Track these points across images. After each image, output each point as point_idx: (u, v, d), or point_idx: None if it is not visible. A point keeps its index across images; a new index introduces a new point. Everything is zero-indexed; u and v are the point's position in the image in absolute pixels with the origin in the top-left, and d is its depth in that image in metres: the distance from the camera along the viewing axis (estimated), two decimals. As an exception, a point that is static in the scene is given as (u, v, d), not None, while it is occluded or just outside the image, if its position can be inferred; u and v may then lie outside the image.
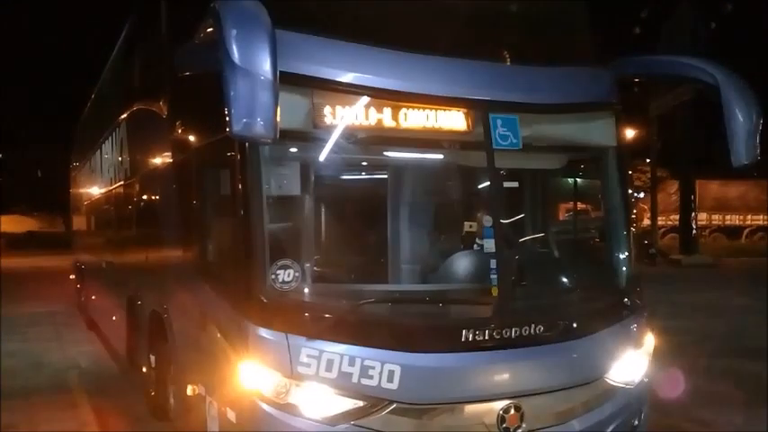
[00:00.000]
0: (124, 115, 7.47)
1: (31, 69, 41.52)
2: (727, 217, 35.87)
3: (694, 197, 29.59)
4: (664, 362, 5.60)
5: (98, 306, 9.98)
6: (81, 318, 11.67)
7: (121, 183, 7.89)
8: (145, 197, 6.80)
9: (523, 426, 3.87)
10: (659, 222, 30.16)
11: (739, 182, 35.04)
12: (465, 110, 3.96)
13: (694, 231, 28.92)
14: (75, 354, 9.28)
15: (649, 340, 4.54)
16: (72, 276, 13.39)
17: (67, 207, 15.66)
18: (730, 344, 9.59)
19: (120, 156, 7.93)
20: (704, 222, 34.31)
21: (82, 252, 12.36)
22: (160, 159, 5.78)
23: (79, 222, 13.06)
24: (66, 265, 14.77)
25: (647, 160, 28.74)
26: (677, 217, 30.42)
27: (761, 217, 36.03)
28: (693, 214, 29.14)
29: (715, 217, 35.52)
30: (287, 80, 3.29)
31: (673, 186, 32.13)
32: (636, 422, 4.43)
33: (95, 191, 10.33)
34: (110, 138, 8.57)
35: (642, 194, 32.72)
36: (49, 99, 40.90)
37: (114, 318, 8.07)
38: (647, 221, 29.69)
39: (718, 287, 16.73)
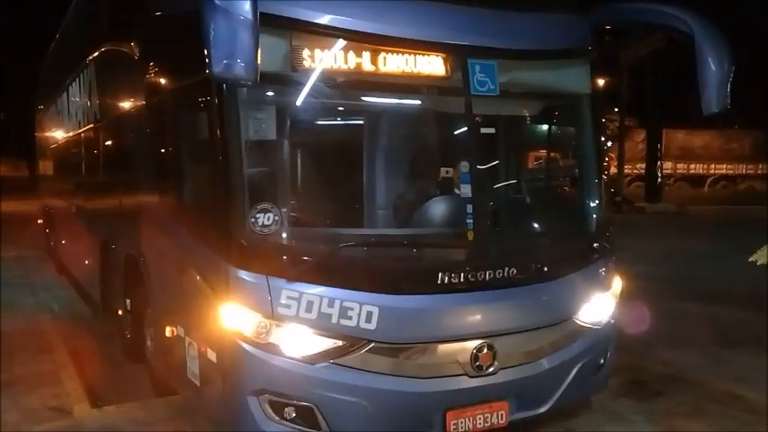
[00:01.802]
0: (93, 56, 7.29)
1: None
2: (692, 166, 36.59)
3: (660, 146, 30.08)
4: (629, 304, 5.84)
5: (69, 251, 9.90)
6: (51, 262, 11.58)
7: (92, 126, 7.75)
8: (117, 141, 6.70)
9: (495, 364, 4.02)
10: (625, 171, 30.60)
11: (704, 131, 35.65)
12: (443, 54, 3.97)
13: (659, 180, 29.51)
14: (47, 298, 9.25)
15: (616, 283, 4.70)
16: (40, 221, 13.22)
17: (32, 151, 15.30)
18: (690, 288, 9.94)
19: (90, 98, 7.76)
20: (669, 171, 34.97)
21: (50, 196, 12.17)
22: (132, 102, 5.68)
23: (46, 166, 12.81)
24: (33, 210, 14.55)
25: (616, 109, 28.94)
26: (643, 165, 30.98)
27: (724, 166, 36.85)
28: (659, 163, 29.67)
29: (680, 166, 36.23)
30: (266, 22, 3.25)
31: (640, 135, 32.60)
32: (602, 360, 4.61)
33: (64, 134, 10.11)
34: (78, 79, 8.36)
35: (610, 143, 33.09)
36: (11, 37, 39.30)
37: (87, 262, 8.04)
38: (613, 170, 30.09)
39: (680, 234, 17.17)
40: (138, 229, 5.53)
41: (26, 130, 15.72)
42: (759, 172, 34.98)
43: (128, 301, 6.03)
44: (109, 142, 7.06)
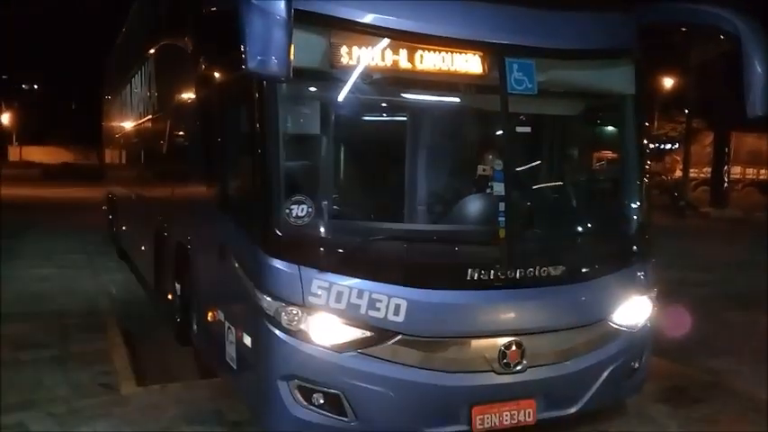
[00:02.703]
0: (152, 50, 7.59)
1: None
2: (762, 171, 35.22)
3: (728, 150, 29.13)
4: (675, 309, 5.75)
5: (129, 237, 10.32)
6: (113, 247, 12.09)
7: (150, 117, 8.07)
8: (171, 132, 6.96)
9: (523, 362, 4.04)
10: (692, 174, 29.72)
11: (777, 135, 34.24)
12: (481, 53, 4.00)
13: (726, 184, 28.56)
14: (107, 281, 9.68)
15: (654, 287, 4.64)
16: (104, 207, 13.79)
17: (100, 140, 15.94)
18: (742, 296, 9.64)
19: (149, 90, 8.09)
20: (738, 176, 33.77)
21: (113, 184, 12.68)
22: (185, 95, 5.91)
23: (111, 155, 13.34)
24: (99, 197, 15.16)
25: (686, 111, 28.09)
26: (710, 170, 30.03)
27: (797, 172, 35.35)
28: (726, 167, 28.72)
29: (749, 171, 34.92)
30: (304, 19, 3.38)
31: (707, 138, 31.56)
32: (636, 364, 4.57)
33: (126, 124, 10.53)
34: (139, 72, 8.71)
35: (676, 145, 32.18)
36: (82, 30, 40.93)
37: (143, 248, 8.38)
38: (678, 173, 29.29)
39: (742, 241, 16.60)
40: (187, 218, 5.76)
41: (96, 120, 16.35)
42: (835, 179, 33.47)
43: (177, 286, 6.28)
44: (164, 133, 7.34)
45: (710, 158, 30.13)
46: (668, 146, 31.62)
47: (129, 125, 10.14)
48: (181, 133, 6.33)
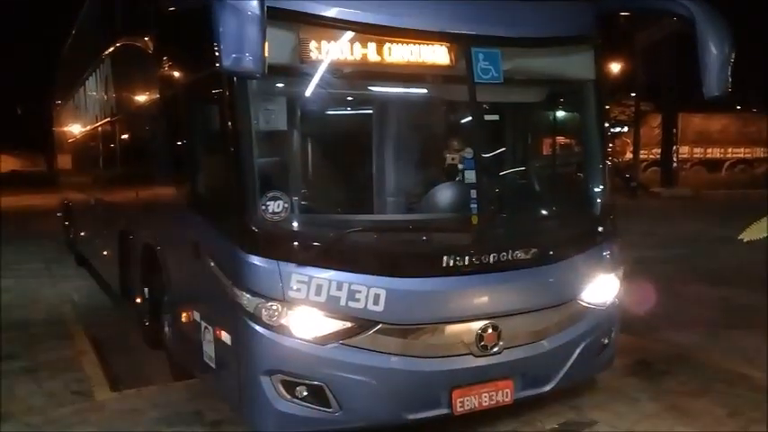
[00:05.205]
0: (109, 51, 7.45)
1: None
2: (709, 150, 36.24)
3: (676, 131, 29.95)
4: (637, 286, 5.94)
5: (88, 242, 10.13)
6: (71, 254, 11.83)
7: (109, 119, 7.91)
8: (134, 133, 6.87)
9: (500, 344, 4.15)
10: (642, 156, 30.43)
11: (721, 115, 35.27)
12: (447, 44, 4.07)
13: (675, 164, 29.40)
14: (68, 288, 9.50)
15: (621, 265, 4.79)
16: (59, 214, 13.49)
17: (51, 145, 15.55)
18: (700, 271, 10.01)
19: (106, 92, 7.94)
20: (686, 155, 34.70)
21: (69, 190, 12.41)
22: (148, 95, 5.83)
23: (65, 160, 13.03)
24: (52, 203, 14.82)
25: (632, 94, 28.74)
26: (659, 151, 30.80)
27: (741, 150, 36.46)
28: (675, 147, 29.57)
29: (696, 150, 35.88)
30: (273, 15, 3.37)
31: (656, 120, 32.34)
32: (606, 340, 4.72)
33: (82, 128, 10.30)
34: (94, 74, 8.54)
35: (626, 128, 32.88)
36: (28, 32, 39.64)
37: (106, 253, 8.25)
38: (629, 155, 29.96)
39: (693, 218, 17.13)
40: (156, 219, 5.70)
41: (44, 125, 15.93)
42: (778, 155, 34.61)
43: (146, 289, 6.21)
44: (126, 135, 7.23)
45: (659, 140, 30.90)
46: (618, 129, 32.30)
47: (85, 129, 9.92)
48: (145, 135, 6.24)
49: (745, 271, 9.52)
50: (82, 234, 10.86)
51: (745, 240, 3.60)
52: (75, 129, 10.98)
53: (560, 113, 5.43)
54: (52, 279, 10.32)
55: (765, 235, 3.58)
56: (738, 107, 35.58)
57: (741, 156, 36.60)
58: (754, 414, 4.63)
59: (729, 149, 36.55)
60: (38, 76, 19.83)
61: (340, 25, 3.83)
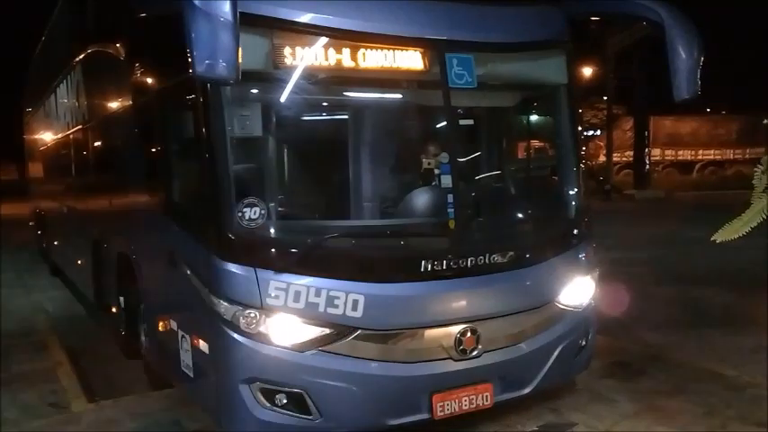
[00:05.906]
0: (80, 57, 7.37)
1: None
2: (680, 152, 36.73)
3: (648, 133, 30.33)
4: (613, 288, 6.00)
5: (62, 252, 9.98)
6: (44, 264, 11.65)
7: (81, 127, 7.82)
8: (106, 141, 6.79)
9: (479, 347, 4.16)
10: (614, 159, 30.77)
11: (692, 118, 35.79)
12: (421, 49, 4.09)
13: (647, 167, 29.78)
14: (42, 299, 9.36)
15: (596, 267, 4.84)
16: (31, 223, 13.28)
17: (21, 154, 15.31)
18: (674, 271, 10.13)
19: (78, 100, 7.84)
20: (658, 158, 35.12)
21: (41, 199, 12.23)
22: (121, 102, 5.77)
23: (36, 169, 12.85)
24: (23, 213, 14.60)
25: (604, 98, 29.07)
26: (632, 153, 31.17)
27: (711, 152, 37.03)
28: (647, 150, 29.95)
29: (668, 152, 36.34)
30: (246, 21, 3.36)
31: (628, 123, 32.74)
32: (583, 342, 4.75)
33: (53, 136, 10.17)
34: (65, 81, 8.43)
35: (598, 131, 33.23)
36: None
37: (80, 262, 8.13)
38: (602, 158, 30.26)
39: (666, 219, 17.34)
40: (130, 228, 5.64)
41: (15, 133, 15.67)
42: (746, 156, 35.04)
43: (121, 298, 6.14)
44: (98, 143, 7.14)
45: (632, 143, 31.28)
46: (591, 132, 32.66)
47: (57, 136, 9.80)
48: (118, 142, 6.17)
49: (717, 271, 9.67)
50: (55, 243, 10.70)
51: (717, 241, 3.66)
52: (47, 136, 10.83)
53: (534, 117, 5.48)
54: (25, 289, 10.15)
55: (737, 236, 3.64)
56: (708, 110, 36.18)
57: (711, 157, 37.13)
58: (729, 412, 4.70)
59: (700, 151, 37.07)
60: (7, 84, 19.48)
61: (314, 31, 3.84)
